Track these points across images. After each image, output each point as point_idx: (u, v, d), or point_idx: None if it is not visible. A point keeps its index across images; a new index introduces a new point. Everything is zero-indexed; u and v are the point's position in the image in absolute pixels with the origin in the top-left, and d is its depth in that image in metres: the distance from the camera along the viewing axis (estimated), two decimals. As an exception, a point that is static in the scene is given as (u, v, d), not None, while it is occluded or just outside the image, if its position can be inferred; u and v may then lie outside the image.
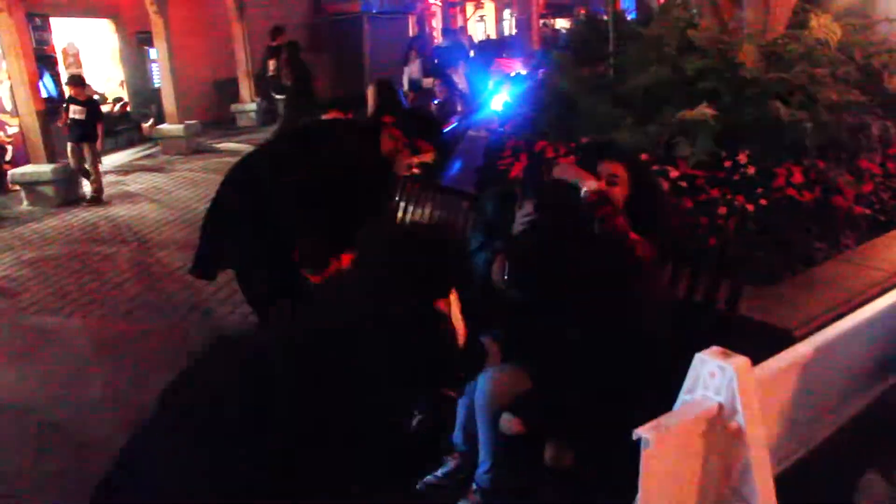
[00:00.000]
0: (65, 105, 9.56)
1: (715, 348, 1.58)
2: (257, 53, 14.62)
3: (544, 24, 23.31)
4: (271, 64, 12.03)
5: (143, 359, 4.70)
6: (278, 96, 11.48)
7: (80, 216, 8.80)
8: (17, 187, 9.57)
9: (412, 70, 12.00)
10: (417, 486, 2.88)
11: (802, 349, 1.78)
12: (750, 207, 3.73)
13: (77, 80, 9.81)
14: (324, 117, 5.07)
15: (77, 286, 6.21)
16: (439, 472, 2.92)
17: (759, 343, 2.92)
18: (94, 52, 14.38)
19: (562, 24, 24.35)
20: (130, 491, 1.86)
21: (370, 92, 5.31)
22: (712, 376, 1.56)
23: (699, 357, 1.59)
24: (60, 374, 4.56)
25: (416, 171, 3.80)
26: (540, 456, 2.50)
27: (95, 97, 13.48)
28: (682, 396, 1.63)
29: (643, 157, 4.08)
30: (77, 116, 9.34)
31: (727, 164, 4.04)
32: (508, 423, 2.56)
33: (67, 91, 9.93)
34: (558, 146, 4.43)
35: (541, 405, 2.53)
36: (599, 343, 2.40)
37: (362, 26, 18.80)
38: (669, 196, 3.77)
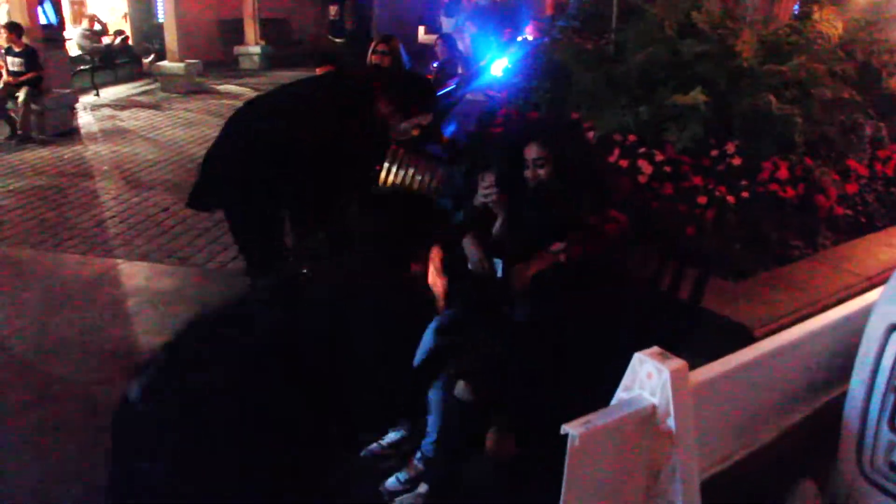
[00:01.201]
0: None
1: (654, 349, 1.57)
2: (264, -3, 14.46)
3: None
4: (332, 9, 12.00)
5: (115, 300, 4.72)
6: (337, 39, 11.53)
7: (72, 148, 8.73)
8: (12, 113, 9.44)
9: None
10: (361, 454, 2.90)
11: (747, 355, 1.77)
12: (731, 199, 3.70)
13: (13, 27, 9.14)
14: (318, 71, 4.98)
15: (59, 220, 6.18)
16: (384, 441, 2.94)
17: (719, 338, 2.95)
18: (98, -19, 14.19)
19: (576, -10, 23.92)
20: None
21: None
22: (649, 377, 1.56)
23: (638, 356, 1.58)
24: (31, 308, 4.57)
25: (416, 133, 3.74)
26: (482, 443, 2.51)
27: (96, 29, 13.37)
28: (619, 394, 1.63)
29: (632, 137, 4.05)
30: (15, 69, 9.03)
31: (714, 152, 4.00)
32: (464, 388, 2.57)
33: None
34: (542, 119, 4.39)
35: (493, 377, 2.55)
36: (553, 326, 2.41)
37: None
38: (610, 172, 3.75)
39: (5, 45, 9.29)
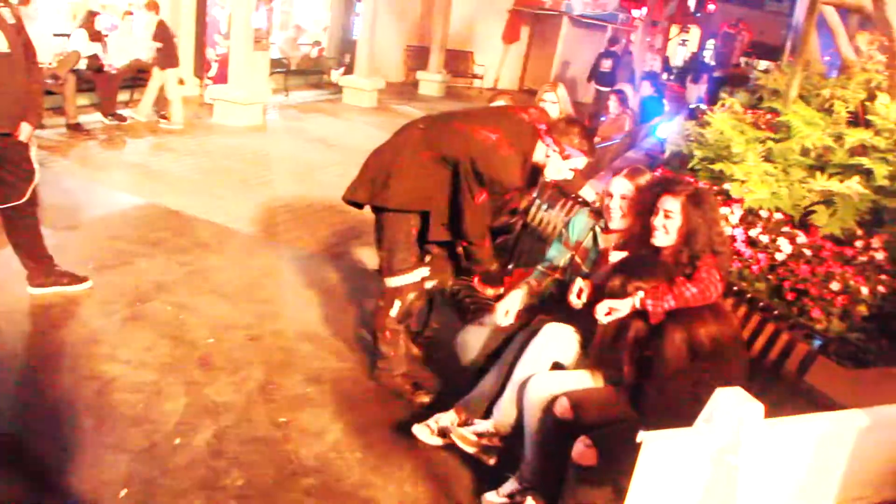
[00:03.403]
0: None
1: (735, 388, 1.75)
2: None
3: (746, 63, 22.55)
4: (607, 62, 13.54)
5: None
6: (603, 88, 12.81)
7: (256, 139, 9.68)
8: (212, 101, 10.50)
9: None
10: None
11: (823, 423, 1.91)
12: (866, 291, 3.71)
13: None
14: (491, 104, 5.29)
15: (227, 196, 6.88)
16: (501, 493, 3.05)
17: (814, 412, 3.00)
18: (309, -6, 15.40)
19: (766, 66, 23.43)
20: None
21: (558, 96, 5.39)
22: (728, 413, 1.74)
23: (721, 391, 1.76)
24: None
25: (574, 172, 3.94)
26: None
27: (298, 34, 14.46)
28: (699, 423, 1.81)
29: (779, 213, 4.12)
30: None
31: (858, 242, 4.02)
32: (581, 452, 2.61)
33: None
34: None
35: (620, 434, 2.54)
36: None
37: (560, 24, 19.01)
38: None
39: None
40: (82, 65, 8.86)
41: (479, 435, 3.18)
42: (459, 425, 3.27)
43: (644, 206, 3.07)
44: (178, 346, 4.04)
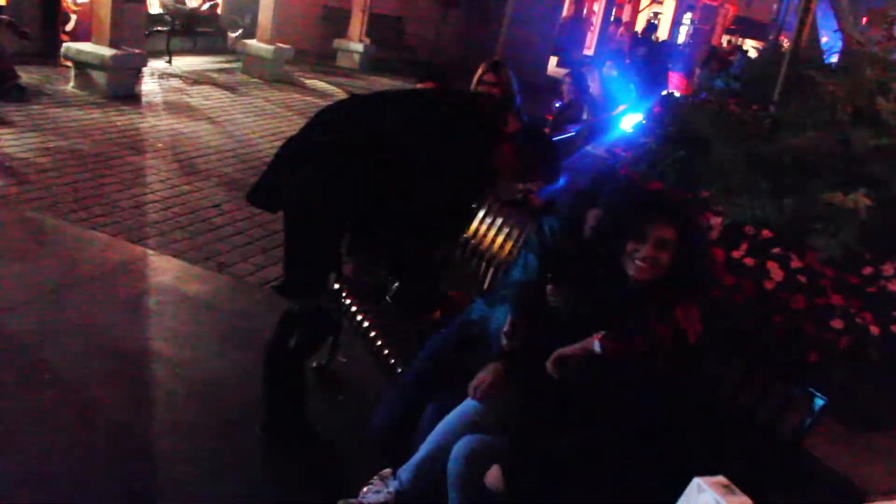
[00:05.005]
0: None
1: (719, 479, 1.60)
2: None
3: (729, 42, 23.05)
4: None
5: (134, 294, 4.95)
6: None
7: (128, 115, 9.25)
8: (69, 64, 10.05)
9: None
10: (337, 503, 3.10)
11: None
12: (875, 330, 3.65)
13: None
14: (418, 86, 5.16)
15: (94, 192, 6.54)
16: (368, 498, 3.09)
17: (818, 492, 2.90)
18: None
19: (752, 46, 23.93)
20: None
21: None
22: (706, 512, 1.59)
23: (697, 482, 1.61)
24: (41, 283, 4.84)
25: (519, 196, 3.90)
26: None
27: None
28: (672, 521, 1.65)
29: (766, 233, 4.05)
30: None
31: (867, 270, 3.96)
32: (495, 480, 2.65)
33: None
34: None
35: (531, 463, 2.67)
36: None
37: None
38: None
39: None
40: None
41: None
42: None
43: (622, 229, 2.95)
44: None
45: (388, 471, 3.42)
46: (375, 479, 3.41)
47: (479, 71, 5.14)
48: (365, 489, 3.28)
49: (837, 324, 3.62)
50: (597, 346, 2.66)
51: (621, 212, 3.12)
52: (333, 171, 3.39)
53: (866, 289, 3.90)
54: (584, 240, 3.27)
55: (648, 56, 16.40)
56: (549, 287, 3.11)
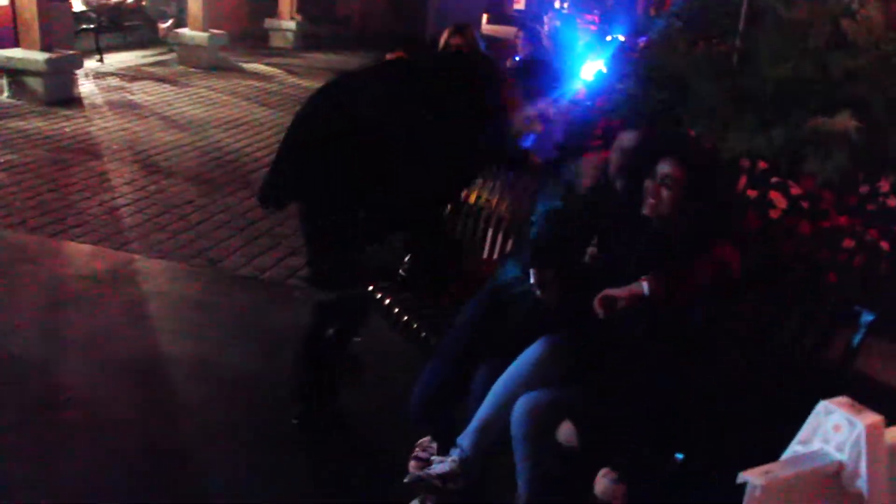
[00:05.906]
0: None
1: (843, 399, 1.65)
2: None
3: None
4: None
5: (131, 302, 4.90)
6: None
7: (75, 121, 9.01)
8: (-1, 73, 9.75)
9: None
10: (405, 480, 3.07)
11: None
12: (885, 245, 3.76)
13: None
14: (388, 56, 5.14)
15: (63, 203, 6.41)
16: (435, 469, 3.04)
17: (878, 409, 3.00)
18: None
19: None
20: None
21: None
22: (836, 430, 1.64)
23: (823, 405, 1.66)
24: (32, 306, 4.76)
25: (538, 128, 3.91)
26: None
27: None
28: (794, 446, 1.70)
29: (762, 164, 4.13)
30: None
31: (863, 189, 4.07)
32: (568, 435, 2.72)
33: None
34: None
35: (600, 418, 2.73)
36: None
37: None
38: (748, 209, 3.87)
39: None
40: None
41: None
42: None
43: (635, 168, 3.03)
44: None
45: (426, 439, 3.49)
46: (417, 450, 3.47)
47: (445, 35, 5.16)
48: (414, 463, 3.31)
49: (849, 243, 3.73)
50: (645, 288, 2.70)
51: (635, 155, 3.21)
52: (326, 165, 3.40)
53: (866, 207, 4.01)
54: (602, 187, 3.35)
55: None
56: (590, 249, 3.16)
